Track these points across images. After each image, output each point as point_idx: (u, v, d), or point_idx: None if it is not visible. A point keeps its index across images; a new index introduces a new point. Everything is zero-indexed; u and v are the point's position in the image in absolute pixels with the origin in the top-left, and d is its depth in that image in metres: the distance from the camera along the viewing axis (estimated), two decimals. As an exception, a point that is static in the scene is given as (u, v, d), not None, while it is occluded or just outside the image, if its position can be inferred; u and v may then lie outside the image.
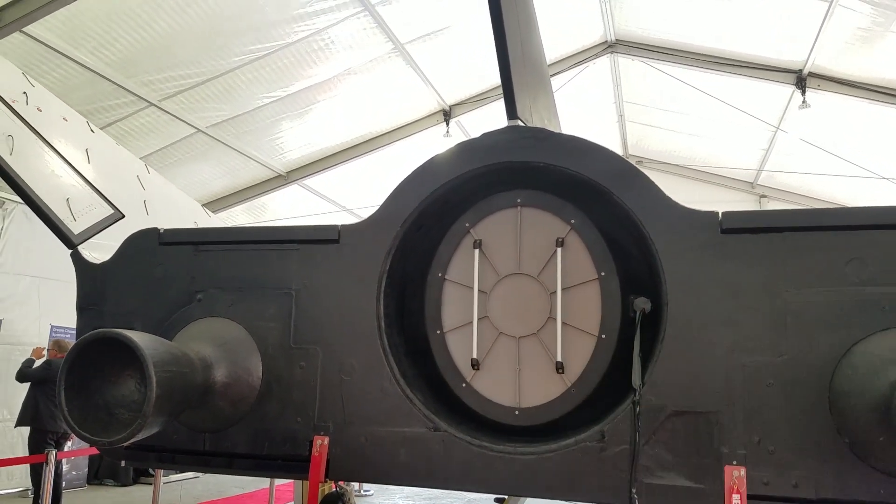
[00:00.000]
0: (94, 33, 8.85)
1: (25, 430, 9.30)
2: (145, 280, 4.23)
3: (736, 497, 3.14)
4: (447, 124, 13.97)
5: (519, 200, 4.00)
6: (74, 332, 4.41)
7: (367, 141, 14.43)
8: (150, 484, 11.32)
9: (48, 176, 4.66)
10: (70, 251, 4.40)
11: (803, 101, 12.05)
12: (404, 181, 4.02)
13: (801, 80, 12.10)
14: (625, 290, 3.76)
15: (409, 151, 14.52)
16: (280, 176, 14.66)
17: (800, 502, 3.15)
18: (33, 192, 4.39)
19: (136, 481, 12.25)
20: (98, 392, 3.45)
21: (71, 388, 3.37)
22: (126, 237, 4.35)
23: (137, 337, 3.31)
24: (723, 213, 3.44)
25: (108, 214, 4.83)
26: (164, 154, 12.00)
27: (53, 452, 7.03)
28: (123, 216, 4.90)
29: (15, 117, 4.70)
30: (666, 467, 3.33)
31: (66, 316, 11.35)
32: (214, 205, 13.90)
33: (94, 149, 5.26)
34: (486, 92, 13.85)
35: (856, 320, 3.18)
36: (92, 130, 5.61)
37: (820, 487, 3.13)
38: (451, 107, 13.89)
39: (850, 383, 3.05)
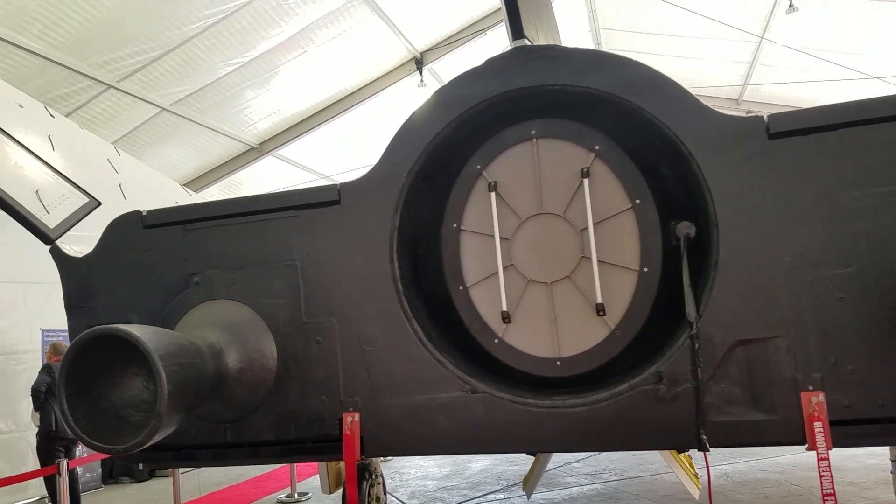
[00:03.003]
0: (38, 15, 8.21)
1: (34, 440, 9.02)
2: (135, 268, 3.89)
3: (817, 424, 2.90)
4: (420, 73, 13.42)
5: (533, 132, 3.67)
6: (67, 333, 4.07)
7: (338, 101, 13.84)
8: (168, 477, 11.14)
9: (11, 168, 4.23)
10: (48, 247, 4.02)
11: (790, 6, 11.59)
12: (403, 127, 3.66)
13: (790, -19, 11.62)
14: (663, 216, 3.46)
15: (384, 107, 13.99)
16: (253, 149, 14.09)
17: (888, 423, 2.92)
18: (-3, 187, 3.98)
19: (151, 475, 12.05)
20: (103, 396, 3.14)
21: (73, 394, 3.06)
22: (107, 225, 3.98)
23: (137, 331, 2.99)
24: (769, 116, 3.12)
25: (84, 203, 4.43)
26: (130, 139, 11.42)
27: (65, 462, 6.75)
28: (100, 203, 4.51)
29: (-37, 109, 4.24)
30: (734, 402, 3.08)
31: (56, 318, 10.99)
32: (189, 187, 13.35)
33: (57, 134, 4.82)
34: (457, 33, 13.28)
35: None
36: (52, 115, 5.14)
37: None
38: (422, 53, 13.33)
39: (931, 286, 2.78)
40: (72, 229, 4.16)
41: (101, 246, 3.97)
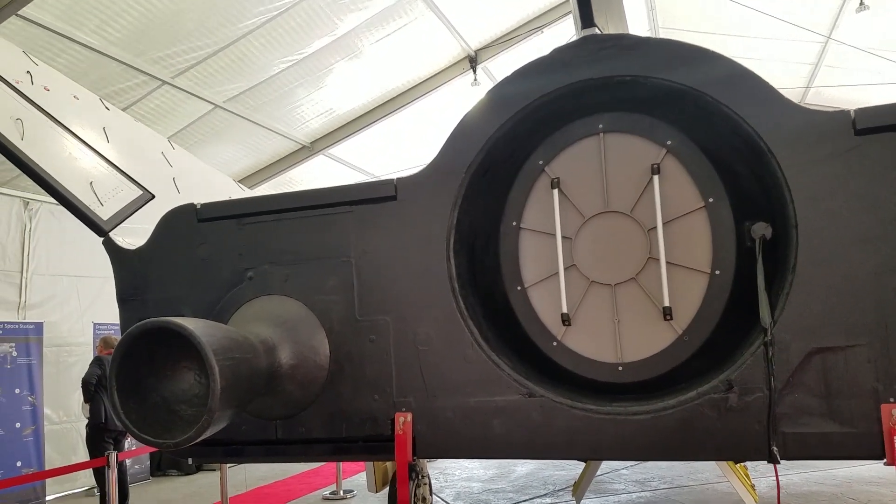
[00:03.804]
0: (95, 10, 8.34)
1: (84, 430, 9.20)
2: (188, 261, 3.84)
3: (901, 439, 2.67)
4: (474, 72, 13.24)
5: (600, 126, 3.49)
6: (119, 327, 4.05)
7: (389, 100, 13.76)
8: (215, 470, 11.27)
9: (66, 160, 4.25)
10: (101, 239, 4.01)
11: (861, 3, 11.03)
12: (463, 120, 3.52)
13: (861, -23, 11.07)
14: (736, 216, 3.25)
15: (436, 107, 13.86)
16: (305, 147, 14.13)
17: None
18: (53, 178, 3.99)
19: (199, 469, 12.21)
20: (154, 389, 3.08)
21: (124, 387, 3.01)
22: (161, 217, 3.94)
23: (191, 324, 2.92)
24: (856, 112, 2.89)
25: (137, 196, 4.43)
26: (184, 135, 11.54)
27: (114, 454, 6.83)
28: (154, 196, 4.50)
29: (22, 99, 4.28)
30: (809, 413, 2.89)
31: (108, 312, 11.21)
32: (241, 184, 13.46)
33: (111, 127, 4.84)
34: (512, 31, 13.05)
35: None
36: (107, 108, 5.18)
37: None
38: (476, 52, 13.16)
39: None
40: (125, 221, 4.15)
41: (154, 238, 3.94)
